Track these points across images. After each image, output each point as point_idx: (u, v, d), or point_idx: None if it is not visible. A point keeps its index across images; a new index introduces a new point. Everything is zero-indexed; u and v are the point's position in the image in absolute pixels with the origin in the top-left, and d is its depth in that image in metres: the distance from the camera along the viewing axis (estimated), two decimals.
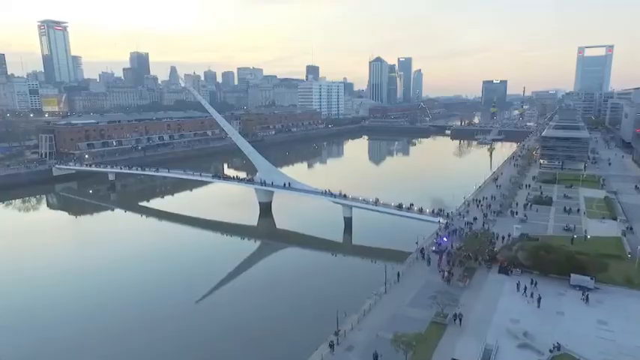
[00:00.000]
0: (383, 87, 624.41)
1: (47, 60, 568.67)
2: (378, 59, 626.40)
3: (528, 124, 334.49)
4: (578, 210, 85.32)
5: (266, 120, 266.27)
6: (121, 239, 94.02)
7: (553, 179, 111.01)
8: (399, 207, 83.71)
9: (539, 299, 46.32)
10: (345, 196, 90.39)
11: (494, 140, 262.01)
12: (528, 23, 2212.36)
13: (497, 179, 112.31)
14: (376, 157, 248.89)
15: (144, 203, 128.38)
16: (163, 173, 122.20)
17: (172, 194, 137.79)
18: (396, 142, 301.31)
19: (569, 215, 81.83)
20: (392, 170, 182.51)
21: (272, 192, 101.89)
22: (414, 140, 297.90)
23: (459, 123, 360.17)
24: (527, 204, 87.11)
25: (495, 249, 60.51)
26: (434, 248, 62.26)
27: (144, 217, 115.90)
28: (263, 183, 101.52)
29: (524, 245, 56.20)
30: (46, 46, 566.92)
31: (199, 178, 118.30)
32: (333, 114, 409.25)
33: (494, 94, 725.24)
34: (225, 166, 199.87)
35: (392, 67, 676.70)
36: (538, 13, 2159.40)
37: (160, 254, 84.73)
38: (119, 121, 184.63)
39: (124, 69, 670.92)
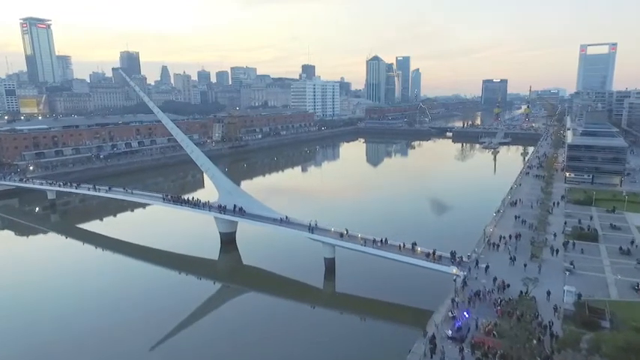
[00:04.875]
0: (381, 87, 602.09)
1: (30, 59, 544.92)
2: (376, 58, 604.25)
3: (534, 125, 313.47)
4: (636, 246, 64.17)
5: (252, 122, 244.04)
6: (52, 274, 75.41)
7: (588, 199, 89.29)
8: (398, 248, 61.84)
9: None
10: (345, 234, 66.95)
11: (500, 144, 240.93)
12: (528, 22, 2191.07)
13: (516, 203, 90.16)
14: (372, 164, 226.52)
15: (88, 226, 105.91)
16: (101, 193, 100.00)
17: (124, 213, 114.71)
18: (394, 146, 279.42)
19: (628, 258, 60.43)
20: (390, 182, 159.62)
21: (235, 222, 79.86)
22: (413, 143, 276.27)
23: (460, 124, 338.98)
24: (567, 241, 65.51)
25: (544, 335, 38.85)
26: (450, 333, 40.48)
27: (86, 245, 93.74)
28: (224, 209, 79.34)
29: (599, 340, 34.44)
30: (28, 44, 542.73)
31: (142, 200, 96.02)
32: (328, 115, 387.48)
33: (495, 93, 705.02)
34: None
35: (390, 67, 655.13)
36: (538, 11, 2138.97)
37: (94, 295, 66.06)
38: (77, 127, 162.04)
39: (112, 69, 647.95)
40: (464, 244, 70.35)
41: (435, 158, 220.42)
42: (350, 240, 65.31)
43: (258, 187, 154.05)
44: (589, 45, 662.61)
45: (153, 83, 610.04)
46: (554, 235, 69.46)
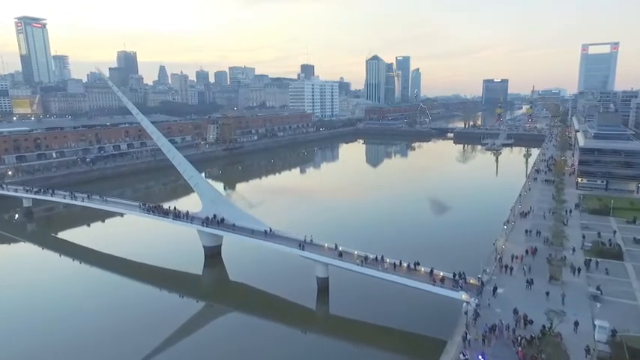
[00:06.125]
0: (380, 86, 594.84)
1: (25, 59, 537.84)
2: (375, 57, 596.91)
3: (537, 126, 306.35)
4: None
5: (247, 123, 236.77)
6: (24, 289, 68.66)
7: (605, 209, 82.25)
8: (394, 266, 55.07)
9: None
10: (338, 250, 60.54)
11: (504, 145, 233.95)
12: (528, 22, 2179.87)
13: (526, 214, 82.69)
14: (371, 167, 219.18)
15: (67, 235, 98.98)
16: (77, 202, 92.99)
17: (108, 220, 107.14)
18: (394, 147, 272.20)
19: None
20: (390, 187, 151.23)
21: (221, 235, 72.79)
22: (413, 145, 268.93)
23: (460, 124, 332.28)
24: (590, 260, 58.44)
25: None
26: None
27: (63, 257, 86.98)
28: (208, 221, 72.26)
29: None
30: (23, 44, 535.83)
31: (116, 209, 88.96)
32: (327, 115, 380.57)
33: (496, 93, 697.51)
34: (203, 175, 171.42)
35: (389, 66, 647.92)
36: (538, 11, 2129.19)
37: (67, 314, 60.71)
38: (61, 128, 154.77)
39: (110, 68, 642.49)
40: (471, 260, 63.80)
41: (437, 160, 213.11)
42: (345, 259, 58.10)
43: (253, 191, 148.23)
44: (590, 44, 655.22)
45: (151, 83, 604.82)
46: (573, 250, 62.60)
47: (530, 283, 51.03)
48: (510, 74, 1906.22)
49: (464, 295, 47.30)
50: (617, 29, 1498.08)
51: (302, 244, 61.16)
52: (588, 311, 45.26)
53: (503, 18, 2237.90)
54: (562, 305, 44.75)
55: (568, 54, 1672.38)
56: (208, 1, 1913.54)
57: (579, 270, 55.23)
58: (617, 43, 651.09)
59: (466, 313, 42.61)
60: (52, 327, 57.28)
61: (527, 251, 60.93)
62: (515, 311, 42.76)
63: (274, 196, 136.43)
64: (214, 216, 71.59)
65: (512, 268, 55.02)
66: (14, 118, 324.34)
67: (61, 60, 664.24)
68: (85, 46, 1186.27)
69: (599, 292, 48.62)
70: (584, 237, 67.25)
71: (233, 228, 69.67)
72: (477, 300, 46.28)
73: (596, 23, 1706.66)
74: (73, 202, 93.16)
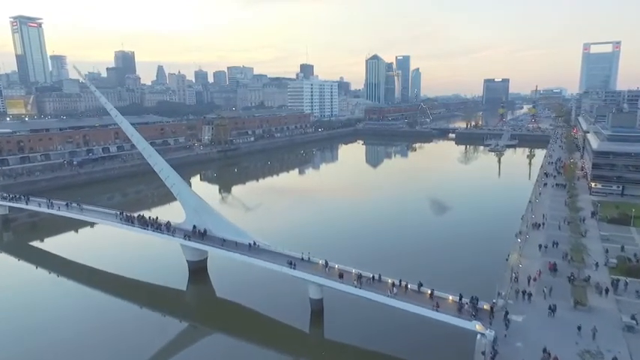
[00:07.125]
0: (380, 86, 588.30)
1: (21, 59, 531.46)
2: (375, 57, 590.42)
3: (540, 126, 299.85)
4: None
5: (244, 124, 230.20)
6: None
7: (625, 218, 75.62)
8: (392, 285, 48.73)
9: None
10: (329, 267, 54.49)
11: (507, 146, 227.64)
12: (528, 21, 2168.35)
13: (539, 226, 75.75)
14: (371, 170, 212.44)
15: (46, 245, 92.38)
16: (53, 210, 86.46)
17: (97, 226, 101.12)
18: (394, 148, 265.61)
19: None
20: (390, 192, 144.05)
21: (205, 250, 66.26)
22: (414, 145, 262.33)
23: (461, 124, 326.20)
24: (618, 280, 51.83)
25: None
26: None
27: (39, 269, 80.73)
28: (192, 234, 65.79)
29: None
30: (19, 44, 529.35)
31: (91, 219, 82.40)
32: (327, 115, 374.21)
33: (497, 93, 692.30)
34: (198, 177, 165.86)
35: (389, 66, 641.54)
36: (538, 11, 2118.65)
37: (37, 338, 54.77)
38: (47, 130, 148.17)
39: (107, 68, 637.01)
40: (481, 277, 58.07)
41: (439, 162, 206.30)
42: (340, 280, 51.51)
43: (249, 194, 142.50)
44: (592, 44, 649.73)
45: (149, 83, 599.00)
46: (596, 265, 56.23)
47: (552, 310, 44.44)
48: (511, 74, 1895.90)
49: (478, 326, 40.90)
50: (618, 28, 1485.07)
51: (292, 262, 54.54)
52: (624, 346, 38.82)
53: (503, 18, 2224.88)
54: (593, 340, 38.22)
55: (569, 53, 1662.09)
56: (208, 1, 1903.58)
57: (607, 291, 48.86)
58: (618, 42, 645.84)
59: (483, 353, 35.96)
60: (20, 346, 51.80)
61: (549, 269, 54.28)
62: (545, 350, 36.03)
63: (270, 200, 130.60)
64: (194, 227, 65.17)
65: (530, 294, 48.08)
66: (8, 119, 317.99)
67: (59, 60, 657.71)
68: (83, 46, 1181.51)
69: (634, 321, 42.09)
70: (607, 251, 60.72)
71: (221, 242, 63.17)
72: (493, 331, 39.81)
73: (597, 22, 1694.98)
74: (49, 210, 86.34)
